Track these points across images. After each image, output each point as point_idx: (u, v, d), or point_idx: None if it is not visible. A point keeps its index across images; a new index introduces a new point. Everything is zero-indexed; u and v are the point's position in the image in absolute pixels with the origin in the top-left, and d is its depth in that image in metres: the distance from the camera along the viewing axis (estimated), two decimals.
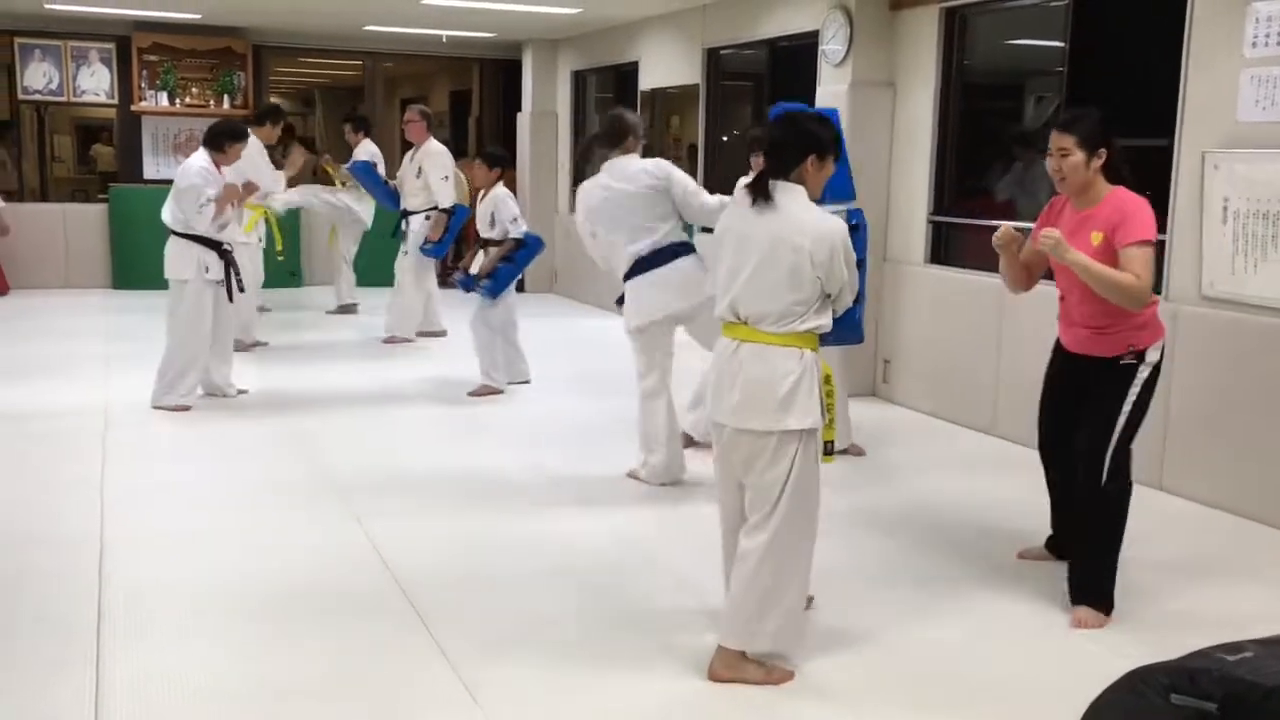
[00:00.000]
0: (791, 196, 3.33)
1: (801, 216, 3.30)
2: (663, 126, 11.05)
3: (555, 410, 7.02)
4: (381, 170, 9.54)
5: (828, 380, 3.40)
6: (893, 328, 7.38)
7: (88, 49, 11.88)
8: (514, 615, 3.90)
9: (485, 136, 14.34)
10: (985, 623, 3.94)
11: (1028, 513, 4.74)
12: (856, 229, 3.55)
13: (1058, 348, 4.11)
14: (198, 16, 11.18)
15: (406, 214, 9.07)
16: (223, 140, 6.75)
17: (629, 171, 5.29)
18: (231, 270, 6.69)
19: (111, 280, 11.76)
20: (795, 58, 8.58)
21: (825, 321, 3.34)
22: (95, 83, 11.97)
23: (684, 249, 5.33)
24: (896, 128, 7.30)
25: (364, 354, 8.66)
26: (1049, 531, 4.46)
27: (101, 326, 9.61)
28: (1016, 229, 4.08)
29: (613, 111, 5.68)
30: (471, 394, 7.18)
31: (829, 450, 3.38)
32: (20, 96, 11.81)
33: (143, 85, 11.96)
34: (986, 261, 6.99)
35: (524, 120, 12.81)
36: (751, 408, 3.30)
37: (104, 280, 11.78)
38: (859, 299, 3.52)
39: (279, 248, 9.19)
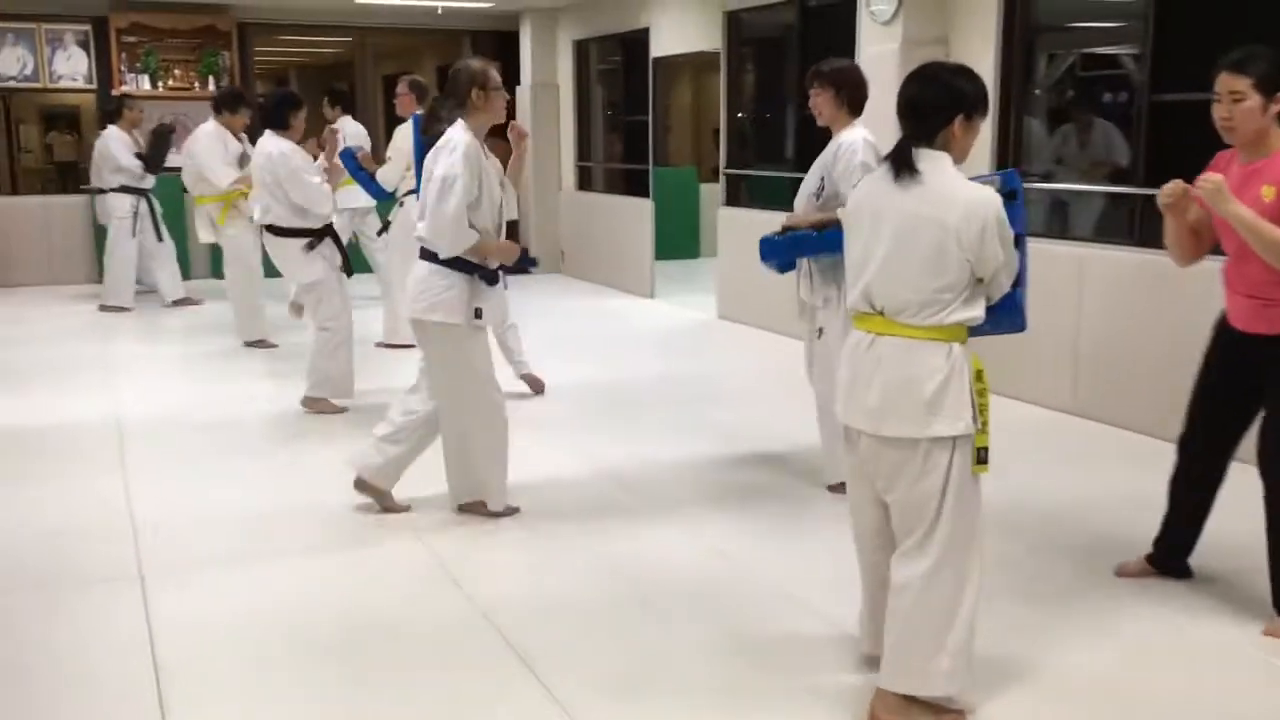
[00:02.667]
0: (935, 165, 2.86)
1: (947, 188, 2.83)
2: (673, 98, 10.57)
3: (591, 393, 6.56)
4: (367, 148, 8.85)
5: (979, 377, 2.95)
6: None
7: (63, 31, 11.24)
8: (625, 651, 3.45)
9: None
10: (1140, 641, 3.52)
11: (1135, 508, 4.32)
12: (1013, 197, 3.06)
13: (1221, 324, 3.66)
14: None
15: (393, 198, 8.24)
16: (285, 115, 6.27)
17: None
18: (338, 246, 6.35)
19: (99, 274, 11.16)
20: (828, 18, 8.11)
21: (977, 313, 2.87)
22: (72, 67, 11.33)
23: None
24: None
25: (382, 354, 8.16)
26: (1153, 536, 3.92)
27: (95, 326, 9.06)
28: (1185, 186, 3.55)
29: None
30: None
31: (983, 458, 2.92)
32: None
33: (122, 68, 11.34)
34: (1062, 229, 6.61)
35: (523, 93, 12.26)
36: (893, 411, 2.86)
37: (90, 275, 11.20)
38: (1019, 281, 3.05)
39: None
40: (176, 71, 11.55)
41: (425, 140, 6.45)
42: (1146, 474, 4.29)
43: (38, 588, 3.93)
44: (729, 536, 4.40)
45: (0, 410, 6.33)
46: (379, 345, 8.01)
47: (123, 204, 9.43)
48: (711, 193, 13.42)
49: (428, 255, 4.30)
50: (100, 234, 10.85)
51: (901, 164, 2.85)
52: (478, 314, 4.29)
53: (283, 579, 4.00)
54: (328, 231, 6.26)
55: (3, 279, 10.77)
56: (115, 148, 9.36)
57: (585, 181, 12.11)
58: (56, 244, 11.19)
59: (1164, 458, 3.92)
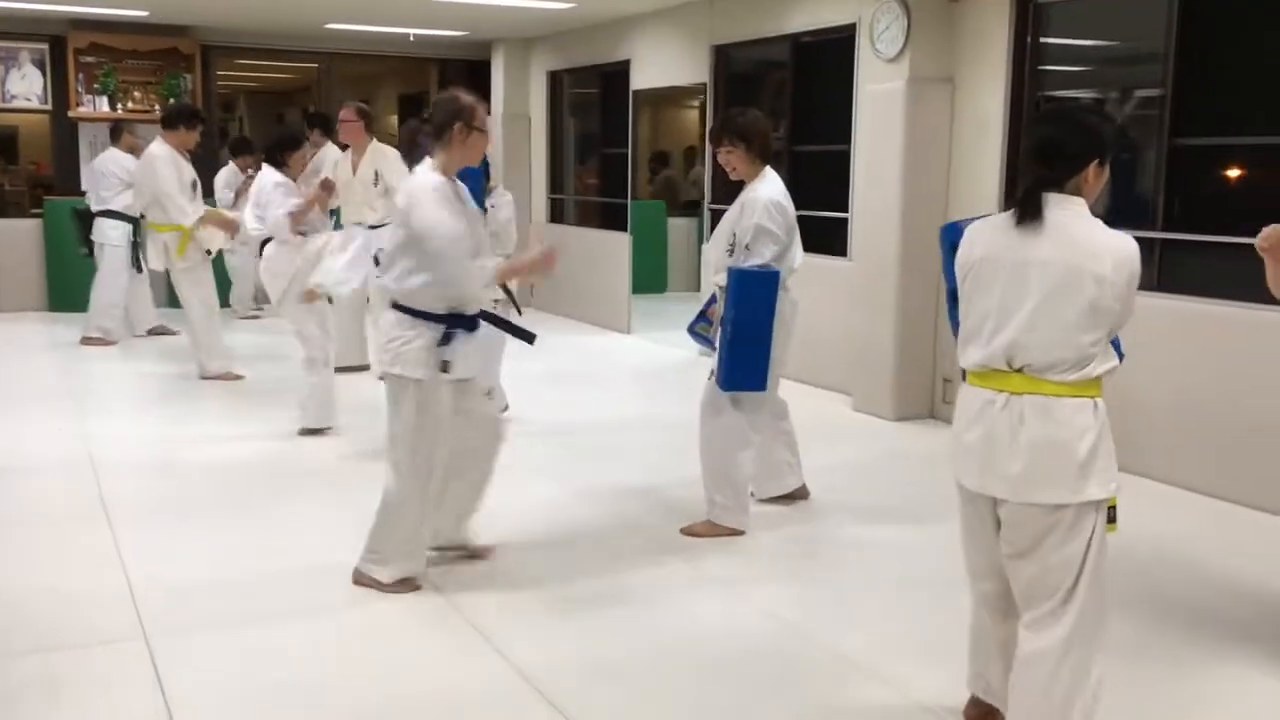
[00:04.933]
0: (1072, 212, 2.69)
1: (1092, 236, 2.67)
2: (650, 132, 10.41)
3: (583, 435, 6.32)
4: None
5: None
6: (954, 345, 6.81)
7: (18, 50, 10.80)
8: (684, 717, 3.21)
9: None
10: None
11: (1190, 559, 4.21)
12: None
13: None
14: (144, 14, 10.20)
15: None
16: (283, 153, 6.33)
17: None
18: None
19: (47, 303, 10.72)
20: (822, 53, 8.02)
21: (1114, 362, 2.72)
22: (26, 86, 10.88)
23: None
24: (957, 127, 6.75)
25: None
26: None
27: (50, 358, 8.61)
28: None
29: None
30: None
31: (1113, 517, 2.75)
32: None
33: (79, 89, 10.91)
34: None
35: (494, 124, 12.01)
36: (1042, 476, 2.66)
37: (37, 303, 10.73)
38: None
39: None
40: (136, 93, 11.15)
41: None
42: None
43: (36, 652, 3.58)
44: (763, 588, 4.18)
45: None
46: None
47: (117, 231, 8.97)
48: (678, 227, 13.33)
49: (397, 305, 3.95)
50: (53, 260, 10.43)
51: (1029, 210, 2.67)
52: (444, 367, 3.91)
53: (301, 644, 3.69)
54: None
55: None
56: (127, 163, 8.94)
57: (557, 214, 11.89)
58: (4, 268, 10.68)
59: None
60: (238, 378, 7.74)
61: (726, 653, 3.66)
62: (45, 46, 10.85)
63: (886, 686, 3.43)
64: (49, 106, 10.98)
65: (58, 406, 6.95)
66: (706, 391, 4.73)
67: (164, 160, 7.72)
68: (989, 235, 2.79)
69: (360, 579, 4.10)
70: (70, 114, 10.80)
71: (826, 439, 5.61)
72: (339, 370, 7.29)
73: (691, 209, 13.82)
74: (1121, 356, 2.90)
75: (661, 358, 9.24)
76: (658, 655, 3.64)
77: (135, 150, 9.05)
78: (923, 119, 6.68)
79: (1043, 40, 6.39)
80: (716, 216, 9.22)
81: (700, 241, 12.93)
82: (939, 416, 6.90)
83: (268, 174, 6.33)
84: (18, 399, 7.13)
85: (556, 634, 3.81)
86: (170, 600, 3.98)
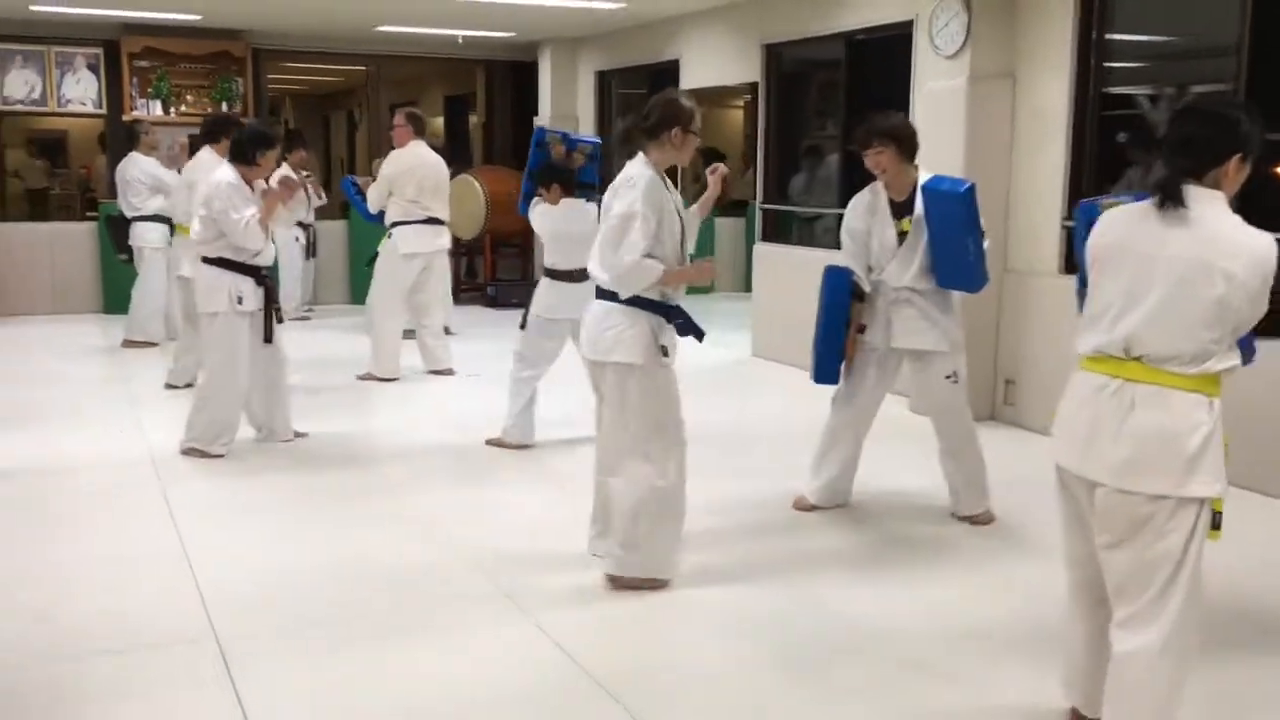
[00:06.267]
0: (1212, 207, 2.65)
1: (1229, 233, 2.63)
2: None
3: None
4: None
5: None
6: (1017, 345, 6.72)
7: (73, 54, 10.94)
8: None
9: (494, 144, 13.56)
10: None
11: None
12: None
13: None
14: (196, 18, 10.29)
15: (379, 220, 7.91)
16: (253, 150, 5.75)
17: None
18: (270, 300, 5.88)
19: (103, 305, 10.84)
20: (878, 50, 7.93)
21: (1236, 360, 2.67)
22: (81, 91, 11.02)
23: None
24: (1018, 124, 6.65)
25: (420, 390, 7.84)
26: None
27: (107, 359, 8.72)
28: None
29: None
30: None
31: (1218, 523, 2.67)
32: (1, 107, 10.82)
33: (133, 93, 11.03)
34: None
35: (541, 124, 12.02)
36: (1147, 466, 2.62)
37: (95, 305, 10.86)
38: None
39: None
40: (189, 97, 11.26)
41: (545, 164, 6.16)
42: None
43: (103, 654, 3.59)
44: (840, 589, 4.12)
45: (25, 450, 5.97)
46: (359, 378, 7.80)
47: (155, 233, 8.98)
48: (725, 227, 13.25)
49: (605, 294, 4.04)
50: (107, 262, 10.52)
51: (1170, 199, 2.63)
52: (664, 351, 4.01)
53: (373, 651, 3.67)
54: (260, 279, 5.82)
55: (5, 307, 10.39)
56: (150, 168, 8.88)
57: None
58: (60, 272, 10.83)
59: None
60: None
61: (799, 651, 3.61)
62: (100, 51, 10.98)
63: (960, 685, 3.36)
64: (103, 110, 11.10)
65: (112, 407, 7.00)
66: (953, 401, 4.85)
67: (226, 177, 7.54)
68: (1124, 222, 2.76)
69: (626, 583, 4.06)
70: (124, 118, 10.90)
71: (886, 440, 5.51)
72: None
73: (738, 209, 13.75)
74: (1251, 356, 2.83)
75: (711, 358, 9.19)
76: (723, 654, 3.59)
77: (154, 148, 9.07)
78: (984, 117, 6.59)
79: (1107, 36, 6.28)
80: (768, 216, 9.18)
81: (749, 241, 12.87)
82: (1001, 419, 6.80)
83: (224, 171, 5.76)
84: (74, 400, 7.19)
85: (630, 641, 3.76)
86: (240, 600, 3.98)
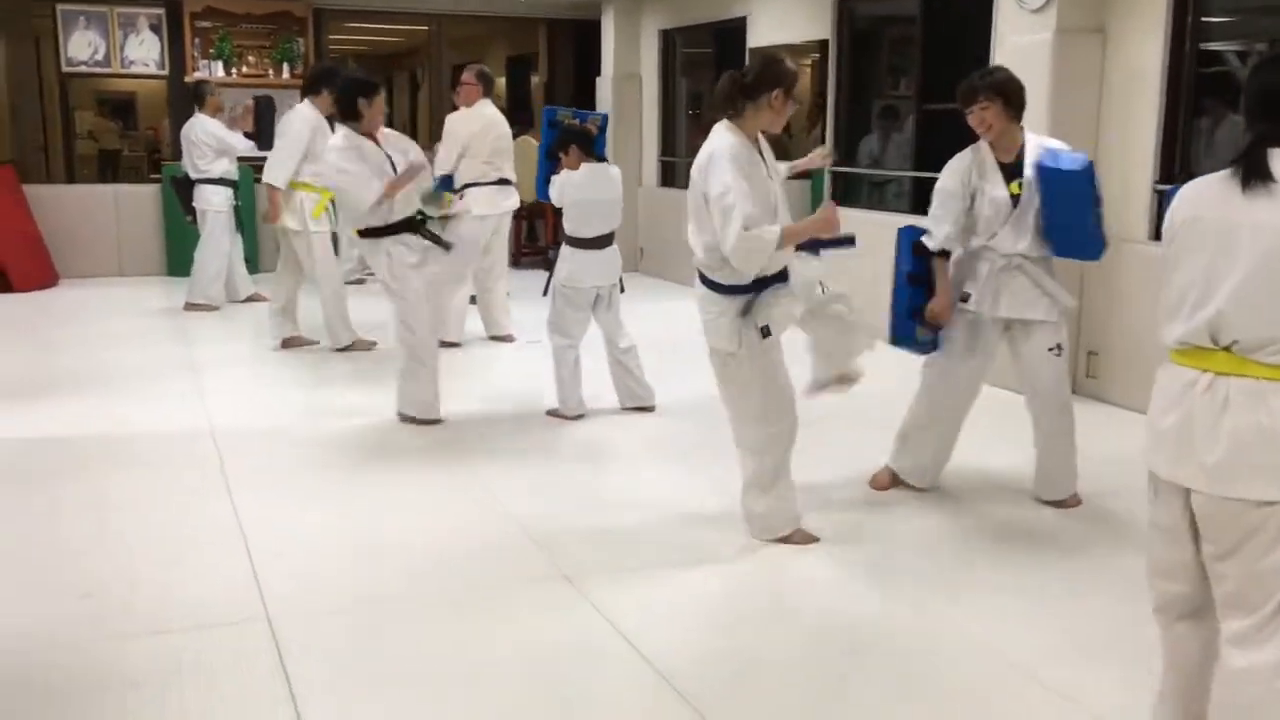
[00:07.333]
0: None
1: None
2: None
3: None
4: None
5: None
6: (1101, 315, 6.40)
7: (136, 15, 10.88)
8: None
9: (556, 104, 13.33)
10: None
11: None
12: None
13: None
14: None
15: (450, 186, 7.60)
16: (352, 101, 5.55)
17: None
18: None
19: (166, 267, 10.84)
20: (956, 4, 7.58)
21: None
22: (144, 52, 10.98)
23: None
24: (1107, 82, 6.29)
25: (481, 357, 7.71)
26: None
27: (170, 324, 8.67)
28: None
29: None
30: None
31: None
32: (64, 68, 10.82)
33: (195, 54, 10.96)
34: None
35: (604, 85, 11.79)
36: (1246, 468, 2.34)
37: (158, 267, 10.86)
38: None
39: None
40: (250, 58, 11.18)
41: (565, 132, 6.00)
42: None
43: (157, 633, 3.49)
44: (917, 584, 3.90)
45: (85, 417, 5.93)
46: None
47: (220, 196, 8.92)
48: (791, 188, 12.92)
49: (701, 279, 3.98)
50: (171, 224, 10.50)
51: (1254, 169, 2.33)
52: (765, 331, 3.87)
53: (431, 629, 3.54)
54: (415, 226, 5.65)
55: (71, 269, 10.43)
56: (215, 130, 8.80)
57: (668, 178, 11.61)
58: (126, 234, 10.84)
59: None
60: (368, 346, 7.58)
61: (863, 641, 3.41)
62: (161, 11, 10.92)
63: (1044, 691, 3.14)
64: (166, 72, 11.06)
65: (173, 374, 6.95)
66: (1055, 375, 4.62)
67: (297, 120, 7.35)
68: (1199, 194, 2.46)
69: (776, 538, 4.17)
70: (187, 79, 10.84)
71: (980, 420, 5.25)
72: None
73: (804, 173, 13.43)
74: None
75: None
76: (801, 647, 3.40)
77: (220, 109, 8.95)
78: (1071, 73, 6.23)
79: None
80: (838, 178, 8.88)
81: (814, 203, 12.56)
82: (1083, 393, 6.48)
83: (334, 139, 5.72)
84: (135, 366, 7.15)
85: (683, 619, 3.60)
86: (294, 578, 3.87)
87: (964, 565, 4.09)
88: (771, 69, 3.83)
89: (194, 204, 8.98)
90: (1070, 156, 4.44)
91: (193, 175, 8.90)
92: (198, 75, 10.75)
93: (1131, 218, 6.20)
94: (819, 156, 4.34)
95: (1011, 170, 4.47)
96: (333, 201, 7.43)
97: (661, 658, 3.30)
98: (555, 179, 5.88)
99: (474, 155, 7.51)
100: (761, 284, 3.91)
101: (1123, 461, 5.30)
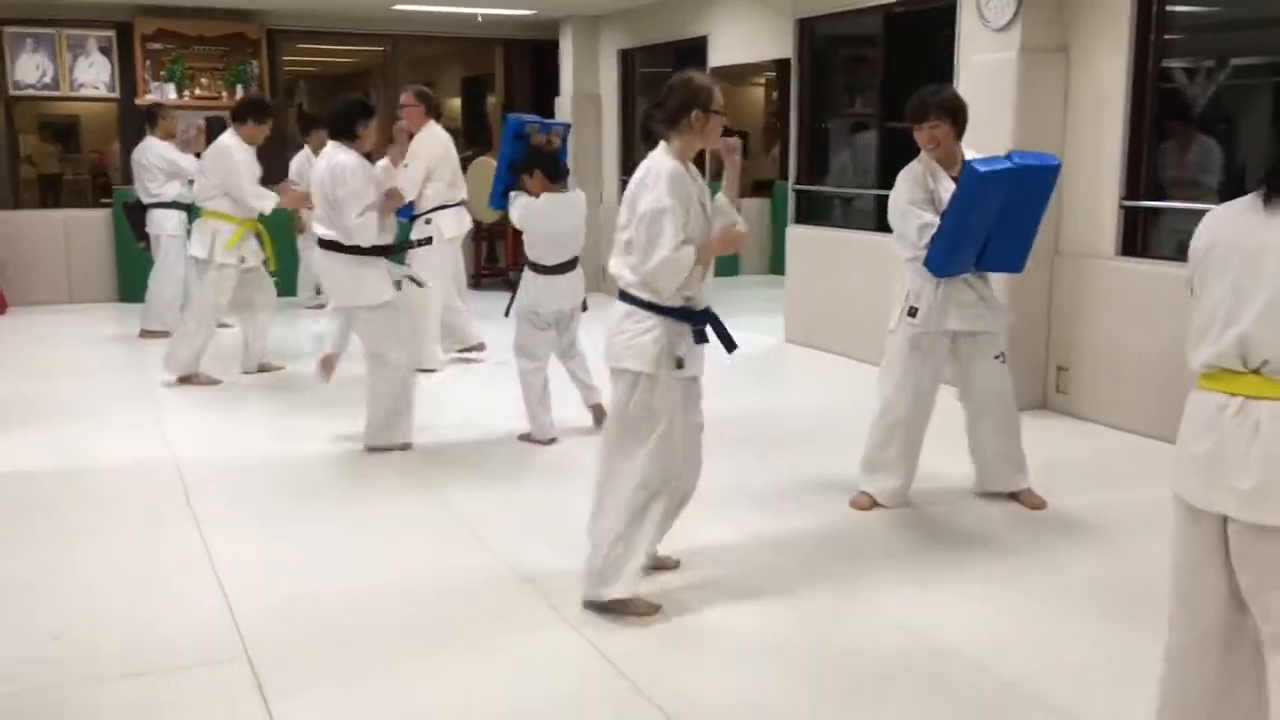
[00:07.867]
0: None
1: None
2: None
3: None
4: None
5: None
6: (1070, 330, 6.43)
7: (85, 37, 10.69)
8: None
9: None
10: None
11: None
12: None
13: None
14: None
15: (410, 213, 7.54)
16: (353, 123, 5.54)
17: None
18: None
19: (117, 293, 10.62)
20: (918, 23, 7.63)
21: None
22: (94, 75, 10.77)
23: None
24: (1072, 100, 6.34)
25: (451, 380, 7.60)
26: None
27: (124, 350, 8.48)
28: None
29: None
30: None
31: None
32: (10, 92, 10.57)
33: (146, 76, 10.78)
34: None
35: (563, 105, 11.75)
36: (1278, 495, 2.30)
37: (109, 293, 10.66)
38: None
39: (271, 268, 7.61)
40: (203, 80, 11.01)
41: (526, 151, 5.94)
42: None
43: (132, 675, 3.35)
44: (915, 608, 3.86)
45: (43, 448, 5.75)
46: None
47: (173, 220, 8.74)
48: (750, 208, 12.94)
49: (625, 296, 3.74)
50: (122, 249, 10.29)
51: (1275, 188, 2.31)
52: (679, 364, 3.72)
53: (418, 666, 3.44)
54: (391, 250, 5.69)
55: (20, 296, 10.18)
56: (165, 152, 8.65)
57: None
58: (76, 259, 10.61)
59: None
60: (214, 382, 7.33)
61: (867, 671, 3.37)
62: (112, 33, 10.73)
63: (1057, 717, 3.11)
64: (116, 94, 10.86)
65: (131, 403, 6.77)
66: (1002, 378, 4.78)
67: (238, 151, 7.21)
68: (1220, 220, 2.45)
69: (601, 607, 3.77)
70: (138, 101, 10.65)
71: (933, 431, 5.24)
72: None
73: (763, 189, 13.45)
74: None
75: (742, 344, 8.92)
76: (801, 681, 3.34)
77: (171, 134, 8.82)
78: (1035, 92, 6.28)
79: (1168, 8, 5.96)
80: (802, 197, 8.88)
81: (776, 222, 12.57)
82: (1054, 407, 6.52)
83: (345, 155, 5.52)
84: (91, 395, 6.97)
85: (689, 658, 3.52)
86: (271, 613, 3.75)
87: (951, 581, 4.06)
88: (682, 91, 3.71)
89: (146, 229, 8.80)
90: (1037, 155, 4.59)
91: (144, 199, 8.71)
92: (150, 98, 10.55)
93: (1098, 234, 6.25)
94: (726, 149, 4.09)
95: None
96: (258, 234, 7.37)
97: (654, 690, 3.22)
98: (516, 202, 5.75)
99: (439, 178, 7.42)
100: (686, 314, 3.76)
101: (1092, 471, 5.36)
